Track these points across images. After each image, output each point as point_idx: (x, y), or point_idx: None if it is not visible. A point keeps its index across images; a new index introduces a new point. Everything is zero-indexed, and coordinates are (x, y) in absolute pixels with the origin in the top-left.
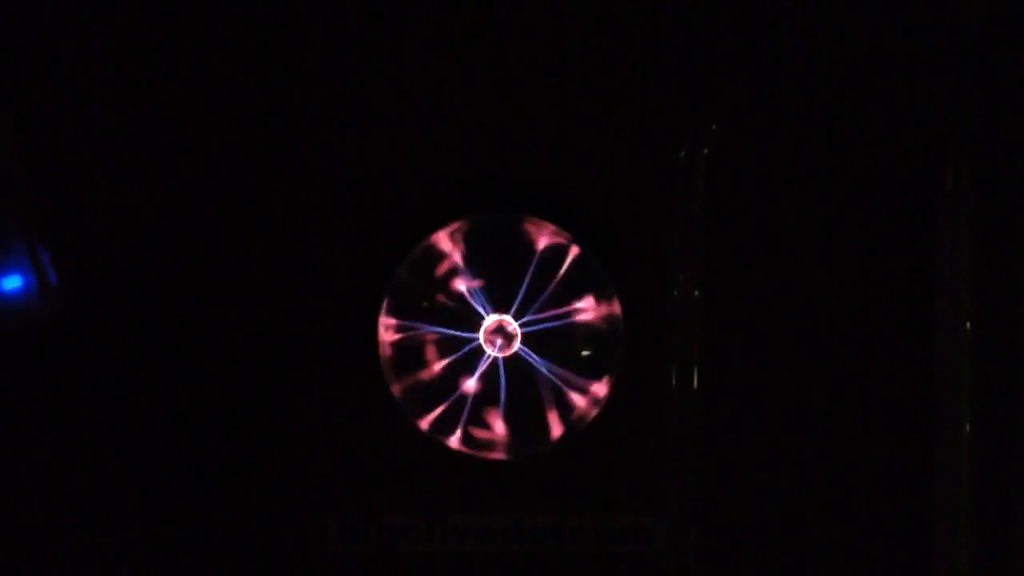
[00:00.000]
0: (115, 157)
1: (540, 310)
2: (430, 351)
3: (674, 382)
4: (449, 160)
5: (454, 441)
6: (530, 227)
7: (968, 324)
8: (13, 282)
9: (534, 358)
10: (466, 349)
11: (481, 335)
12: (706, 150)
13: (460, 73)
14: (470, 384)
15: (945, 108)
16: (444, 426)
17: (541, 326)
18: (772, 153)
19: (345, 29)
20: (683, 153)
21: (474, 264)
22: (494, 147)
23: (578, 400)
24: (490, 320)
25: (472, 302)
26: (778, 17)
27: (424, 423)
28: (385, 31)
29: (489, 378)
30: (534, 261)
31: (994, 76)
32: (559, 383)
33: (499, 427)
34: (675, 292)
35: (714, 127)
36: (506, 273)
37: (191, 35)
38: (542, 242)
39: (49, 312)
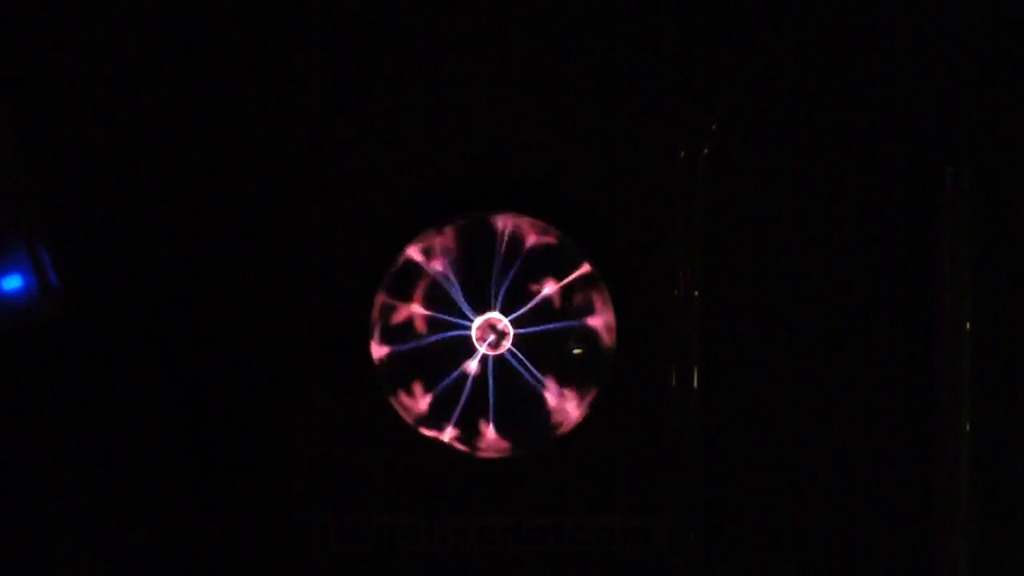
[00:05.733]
0: (115, 157)
1: (533, 309)
2: (421, 350)
3: (674, 382)
4: (446, 159)
5: (446, 438)
6: (518, 225)
7: (968, 324)
8: (13, 282)
9: (524, 357)
10: (457, 346)
11: (473, 334)
12: (706, 150)
13: (457, 72)
14: (461, 382)
15: (945, 108)
16: (436, 425)
17: (533, 329)
18: (772, 153)
19: (343, 29)
20: (683, 153)
21: (469, 262)
22: (492, 146)
23: (566, 401)
24: (481, 318)
25: (463, 300)
26: (778, 17)
27: (417, 423)
28: (383, 30)
29: (480, 376)
30: (520, 260)
31: (994, 76)
32: (547, 383)
33: (490, 426)
34: (675, 292)
35: (714, 127)
36: (501, 272)
37: (191, 35)
38: (529, 240)
39: (49, 312)
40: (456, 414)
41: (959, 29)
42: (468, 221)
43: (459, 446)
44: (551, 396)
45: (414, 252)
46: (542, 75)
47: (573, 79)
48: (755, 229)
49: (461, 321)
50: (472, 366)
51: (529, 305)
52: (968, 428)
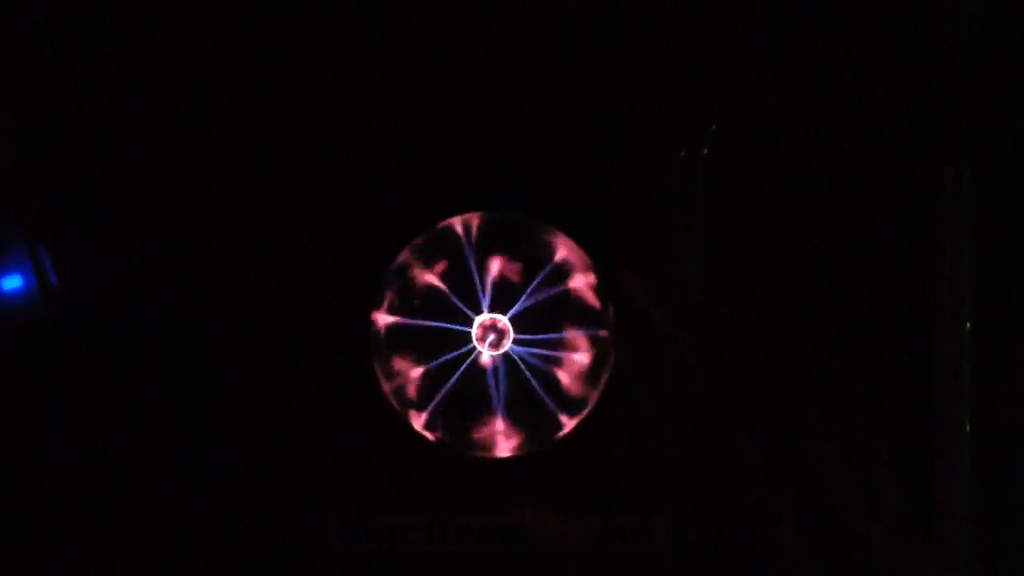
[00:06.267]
0: (115, 157)
1: (532, 305)
2: (421, 348)
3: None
4: (446, 159)
5: (446, 439)
6: (543, 233)
7: (968, 324)
8: (13, 282)
9: (524, 356)
10: (458, 348)
11: (473, 333)
12: (706, 150)
13: (458, 72)
14: (460, 381)
15: (945, 108)
16: (436, 424)
17: (535, 342)
18: (772, 153)
19: (343, 28)
20: (683, 153)
21: (471, 261)
22: (492, 146)
23: (567, 395)
24: (482, 318)
25: (462, 301)
26: (778, 17)
27: (417, 422)
28: (382, 28)
29: (480, 376)
30: (546, 269)
31: (994, 76)
32: (546, 385)
33: (491, 425)
34: (675, 292)
35: (714, 127)
36: (502, 272)
37: (191, 35)
38: (559, 252)
39: (49, 312)
40: (459, 416)
41: (959, 29)
42: (461, 221)
43: (461, 447)
44: (553, 394)
45: (406, 258)
46: (541, 75)
47: (573, 79)
48: (755, 229)
49: (461, 327)
50: (474, 366)
51: (526, 301)
52: (968, 428)
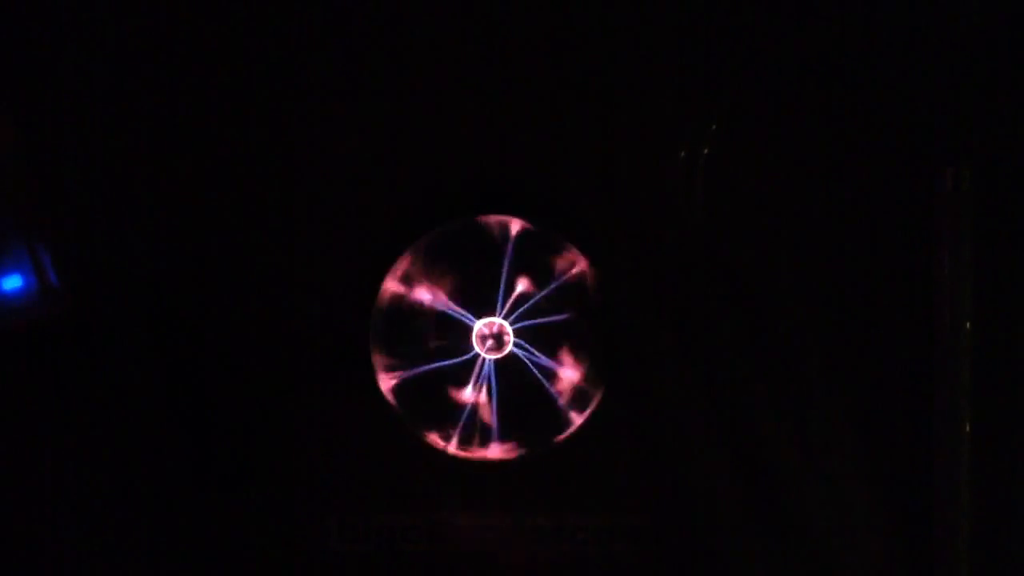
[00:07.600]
0: (115, 157)
1: (530, 308)
2: (425, 355)
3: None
4: (445, 161)
5: (452, 446)
6: (499, 224)
7: (968, 324)
8: (13, 282)
9: (526, 357)
10: (460, 354)
11: (473, 338)
12: (706, 150)
13: (456, 73)
14: (466, 389)
15: (945, 108)
16: (442, 431)
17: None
18: (772, 153)
19: (343, 32)
20: (683, 153)
21: (464, 268)
22: (491, 148)
23: (569, 394)
24: (481, 323)
25: (460, 307)
26: (778, 17)
27: (421, 430)
28: (381, 32)
29: (483, 381)
30: (507, 257)
31: (994, 76)
32: (550, 382)
33: (496, 428)
34: (674, 292)
35: (714, 127)
36: (496, 275)
37: (190, 35)
38: (513, 234)
39: (49, 312)
40: (463, 421)
41: (959, 29)
42: (458, 226)
43: (466, 453)
44: (557, 391)
45: (393, 284)
46: (542, 76)
47: (573, 80)
48: (754, 229)
49: (462, 327)
50: (475, 371)
51: (528, 309)
52: (968, 428)
